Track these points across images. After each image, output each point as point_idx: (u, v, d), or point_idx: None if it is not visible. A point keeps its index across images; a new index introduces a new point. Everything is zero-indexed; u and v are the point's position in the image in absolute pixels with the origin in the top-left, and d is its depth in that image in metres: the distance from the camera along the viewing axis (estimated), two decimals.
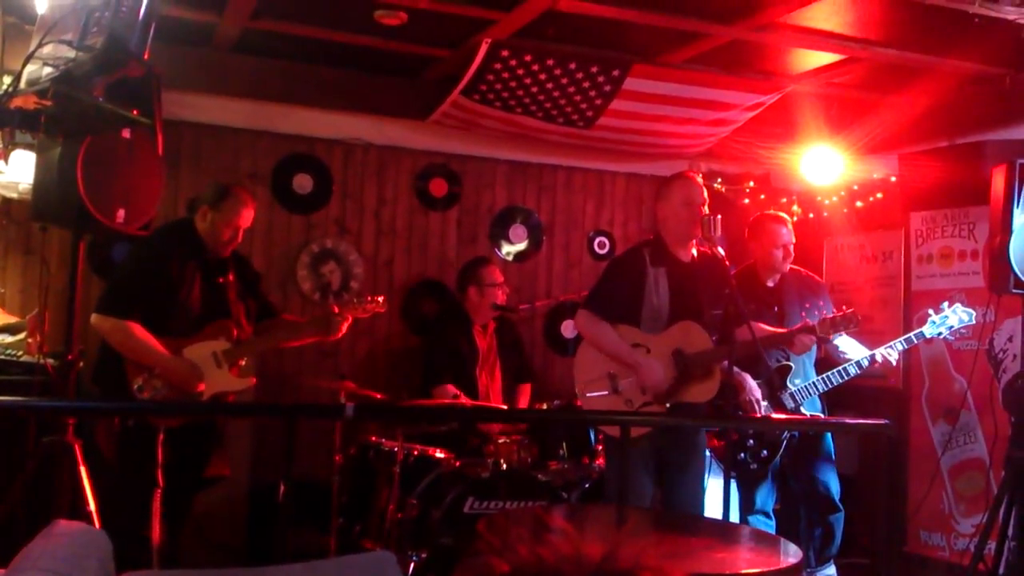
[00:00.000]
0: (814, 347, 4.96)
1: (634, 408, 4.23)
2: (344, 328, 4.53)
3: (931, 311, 4.80)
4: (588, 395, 4.29)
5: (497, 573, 1.09)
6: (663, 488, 4.40)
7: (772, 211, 5.39)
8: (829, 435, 5.12)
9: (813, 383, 4.87)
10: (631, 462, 4.17)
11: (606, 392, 4.27)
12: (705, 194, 4.38)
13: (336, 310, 4.54)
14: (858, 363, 4.83)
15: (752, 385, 4.76)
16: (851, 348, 4.93)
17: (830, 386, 4.89)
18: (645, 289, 4.30)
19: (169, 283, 4.19)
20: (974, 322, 4.80)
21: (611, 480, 4.51)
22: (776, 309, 4.88)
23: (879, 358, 4.79)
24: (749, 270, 5.12)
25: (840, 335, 4.87)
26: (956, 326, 4.76)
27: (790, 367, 4.86)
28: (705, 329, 4.29)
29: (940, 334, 4.78)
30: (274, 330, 4.57)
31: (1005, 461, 4.34)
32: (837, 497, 5.04)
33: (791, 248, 5.05)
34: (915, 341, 4.83)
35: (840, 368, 4.87)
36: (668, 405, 4.25)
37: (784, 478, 5.15)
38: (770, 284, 5.06)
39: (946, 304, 4.80)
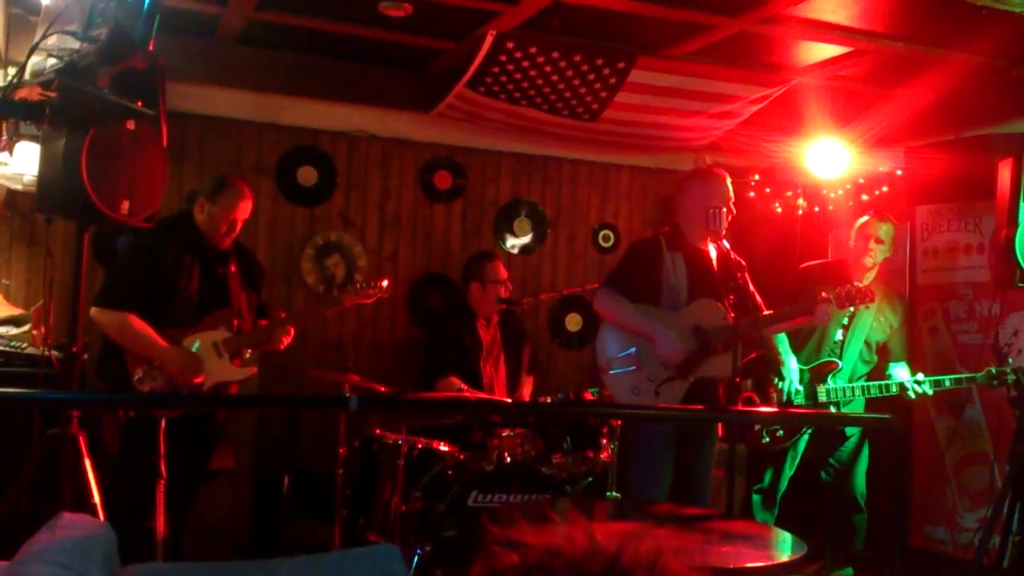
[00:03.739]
0: (874, 359, 5.02)
1: (656, 383, 4.29)
2: (286, 341, 4.50)
3: (993, 363, 4.78)
4: (611, 372, 4.33)
5: (511, 565, 1.08)
6: (678, 471, 4.43)
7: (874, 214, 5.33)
8: (867, 441, 5.13)
9: (852, 387, 4.90)
10: (651, 444, 4.24)
11: (630, 368, 4.30)
12: (730, 192, 4.46)
13: (283, 315, 4.54)
14: (901, 384, 4.84)
15: (794, 368, 4.84)
16: (902, 375, 4.96)
17: (867, 395, 4.92)
18: (663, 271, 4.38)
19: (166, 274, 4.21)
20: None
21: (630, 461, 4.51)
22: None
23: (919, 388, 4.80)
24: (839, 265, 5.22)
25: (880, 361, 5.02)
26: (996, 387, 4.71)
27: (837, 364, 4.91)
28: (723, 306, 4.34)
29: (993, 384, 4.68)
30: (256, 333, 4.53)
31: (1009, 456, 4.33)
32: (862, 498, 5.07)
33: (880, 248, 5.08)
34: (963, 384, 4.85)
35: (881, 383, 4.90)
36: (692, 379, 4.30)
37: (810, 471, 5.17)
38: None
39: (1011, 359, 4.80)
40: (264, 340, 4.49)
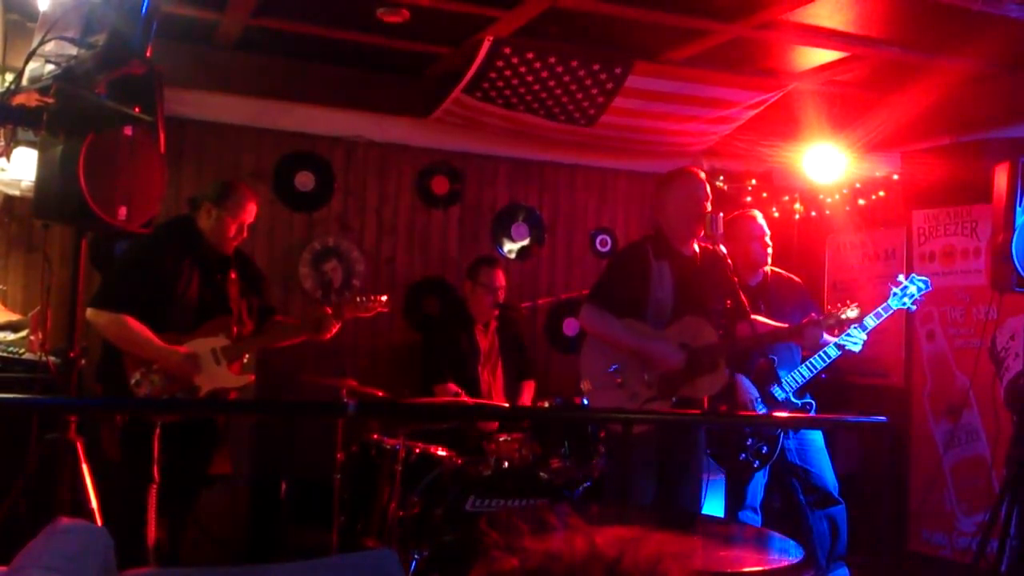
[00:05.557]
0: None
1: (638, 403, 4.23)
2: (335, 329, 4.52)
3: (891, 284, 4.80)
4: (593, 391, 4.29)
5: (511, 569, 1.08)
6: (664, 487, 4.40)
7: (743, 211, 5.38)
8: (823, 436, 5.10)
9: (799, 370, 4.89)
10: (633, 460, 4.17)
11: (612, 387, 4.27)
12: (708, 190, 4.37)
13: (328, 311, 4.53)
14: (837, 344, 4.80)
15: (747, 386, 4.78)
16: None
17: (815, 371, 4.89)
18: (649, 282, 4.29)
19: (164, 278, 4.20)
20: (930, 288, 4.77)
21: (612, 478, 4.51)
22: (763, 307, 4.88)
23: (851, 343, 4.78)
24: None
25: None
26: (916, 295, 4.75)
27: (773, 360, 4.89)
28: (709, 323, 4.29)
29: (904, 304, 4.76)
30: (270, 330, 4.56)
31: (1007, 460, 4.34)
32: (834, 490, 5.03)
33: (767, 239, 5.06)
34: (884, 315, 4.80)
35: (821, 352, 4.86)
36: (674, 400, 4.25)
37: (778, 474, 5.16)
38: (752, 283, 5.06)
39: (902, 276, 4.80)
40: (299, 332, 4.53)
